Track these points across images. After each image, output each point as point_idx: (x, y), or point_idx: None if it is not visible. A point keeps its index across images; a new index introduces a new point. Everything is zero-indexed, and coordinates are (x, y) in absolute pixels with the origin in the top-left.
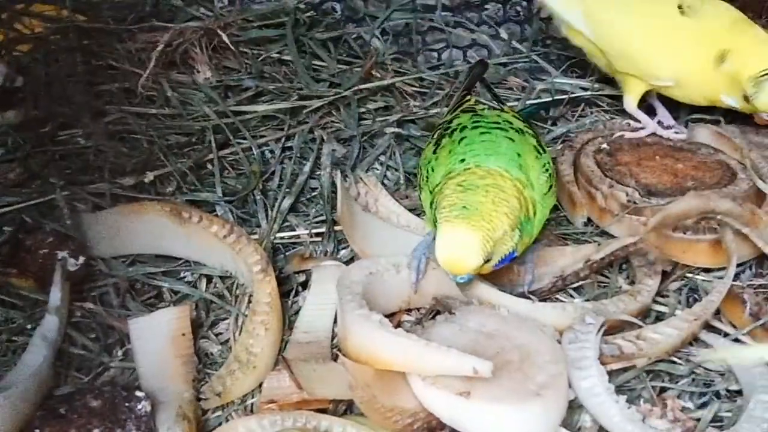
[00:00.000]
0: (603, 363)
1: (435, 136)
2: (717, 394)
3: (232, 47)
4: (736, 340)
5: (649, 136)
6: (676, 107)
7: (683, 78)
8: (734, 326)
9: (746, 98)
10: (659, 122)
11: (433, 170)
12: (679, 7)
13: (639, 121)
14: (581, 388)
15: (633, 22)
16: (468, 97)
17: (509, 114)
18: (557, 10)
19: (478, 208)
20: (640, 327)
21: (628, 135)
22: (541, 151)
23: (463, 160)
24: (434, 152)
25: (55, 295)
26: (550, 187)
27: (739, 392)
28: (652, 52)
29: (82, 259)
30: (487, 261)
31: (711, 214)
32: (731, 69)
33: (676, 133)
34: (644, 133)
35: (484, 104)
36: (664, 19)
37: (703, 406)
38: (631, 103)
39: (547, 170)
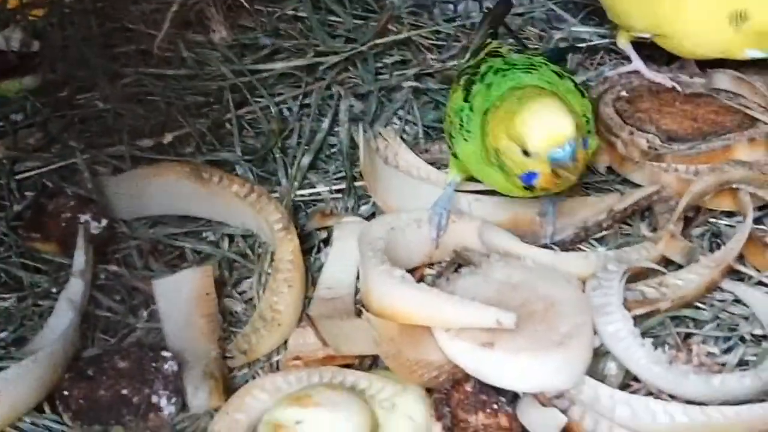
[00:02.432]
0: (627, 308)
1: (462, 83)
2: (742, 339)
3: (247, 5)
4: (760, 283)
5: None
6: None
7: (687, 34)
8: (758, 269)
9: None
10: (681, 66)
11: (469, 118)
12: None
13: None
14: (606, 333)
15: None
16: (490, 41)
17: (540, 58)
18: None
19: (551, 86)
20: (664, 274)
21: (609, 72)
22: (581, 94)
23: (514, 83)
24: (466, 100)
25: (79, 258)
26: (589, 132)
27: (765, 336)
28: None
29: (104, 222)
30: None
31: (727, 184)
32: (757, 25)
33: (672, 78)
34: (624, 69)
35: (510, 48)
36: None
37: (728, 350)
38: (621, 38)
39: (585, 115)
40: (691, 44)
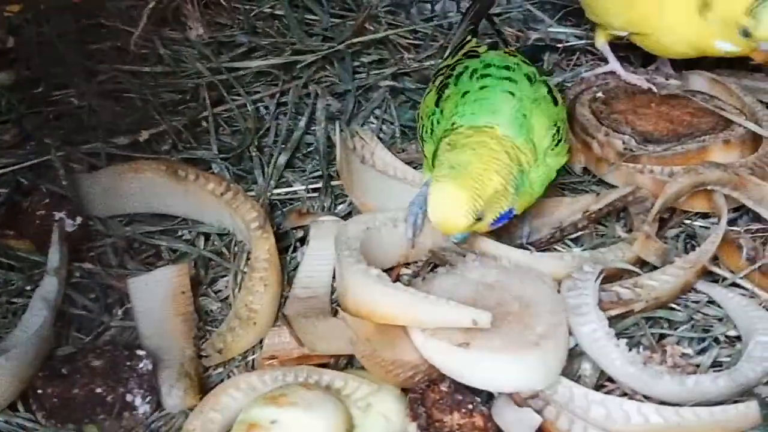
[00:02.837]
0: (602, 309)
1: (437, 83)
2: (716, 340)
3: (224, 3)
4: (734, 285)
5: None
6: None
7: (663, 30)
8: (732, 271)
9: (746, 33)
10: (656, 68)
11: (438, 122)
12: None
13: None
14: (582, 333)
15: None
16: (469, 39)
17: (518, 58)
18: None
19: (465, 167)
20: (638, 275)
21: (586, 74)
22: (555, 101)
23: (454, 122)
24: (437, 104)
25: (54, 256)
26: (558, 142)
27: (738, 338)
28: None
29: (79, 220)
30: (478, 219)
31: (702, 186)
32: (720, 12)
33: (648, 79)
34: (600, 70)
35: (486, 46)
36: None
37: (703, 351)
38: (599, 38)
39: (556, 124)
40: (667, 40)
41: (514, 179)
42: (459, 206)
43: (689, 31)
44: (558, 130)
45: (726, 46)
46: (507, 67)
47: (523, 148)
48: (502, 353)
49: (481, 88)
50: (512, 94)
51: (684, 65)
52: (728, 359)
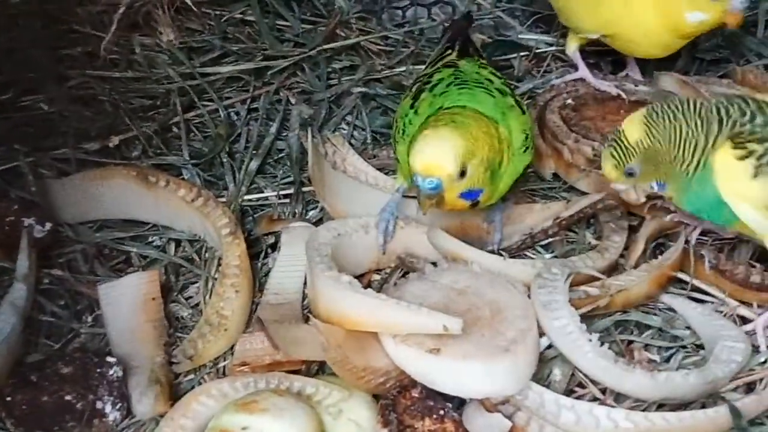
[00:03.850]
0: (573, 306)
1: (413, 89)
2: (683, 347)
3: (195, 8)
4: (704, 293)
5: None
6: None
7: (634, 26)
8: (698, 278)
9: None
10: (626, 75)
11: (411, 122)
12: None
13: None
14: (553, 328)
15: None
16: (449, 52)
17: (488, 71)
18: None
19: (466, 126)
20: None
21: (556, 80)
22: (522, 111)
23: (441, 107)
24: (412, 106)
25: (23, 262)
26: (527, 148)
27: (703, 347)
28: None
29: (48, 226)
30: (461, 175)
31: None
32: None
33: (617, 86)
34: (570, 77)
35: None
36: None
37: (669, 359)
38: (571, 45)
39: (525, 131)
40: (639, 34)
41: (494, 164)
42: (452, 149)
43: (659, 13)
44: (527, 137)
45: (697, 16)
46: (478, 82)
47: (504, 137)
48: (472, 359)
49: (462, 89)
50: (492, 96)
51: (655, 69)
52: (693, 367)
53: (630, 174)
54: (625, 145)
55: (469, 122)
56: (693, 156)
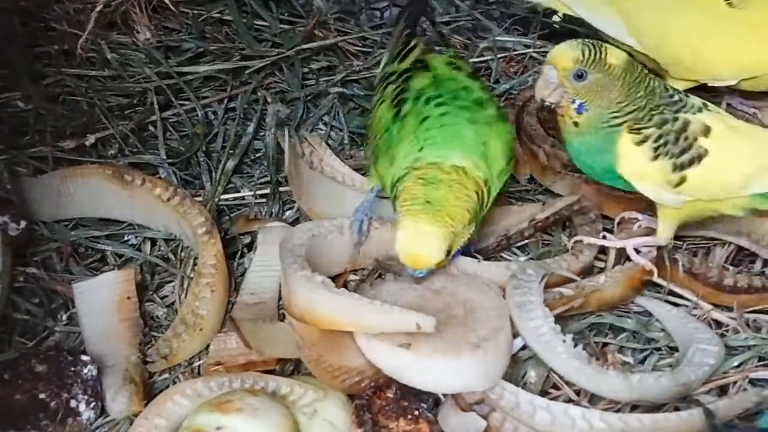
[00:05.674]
0: (548, 307)
1: (386, 89)
2: (658, 349)
3: (172, 7)
4: (671, 293)
5: None
6: None
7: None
8: (673, 282)
9: None
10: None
11: (396, 142)
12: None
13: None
14: (528, 328)
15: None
16: (413, 42)
17: (464, 73)
18: (584, 17)
19: (442, 204)
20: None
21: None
22: (503, 119)
23: (422, 149)
24: (396, 117)
25: None
26: (509, 161)
27: (677, 349)
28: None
29: (23, 224)
30: (447, 254)
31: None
32: None
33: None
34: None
35: (433, 52)
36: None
37: (643, 361)
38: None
39: (507, 153)
40: None
41: (477, 213)
42: (434, 243)
43: None
44: (509, 160)
45: None
46: (456, 97)
47: (485, 184)
48: (442, 354)
49: (442, 114)
50: (472, 123)
51: None
52: (668, 369)
53: (578, 76)
54: (597, 56)
55: (445, 196)
56: (626, 116)
